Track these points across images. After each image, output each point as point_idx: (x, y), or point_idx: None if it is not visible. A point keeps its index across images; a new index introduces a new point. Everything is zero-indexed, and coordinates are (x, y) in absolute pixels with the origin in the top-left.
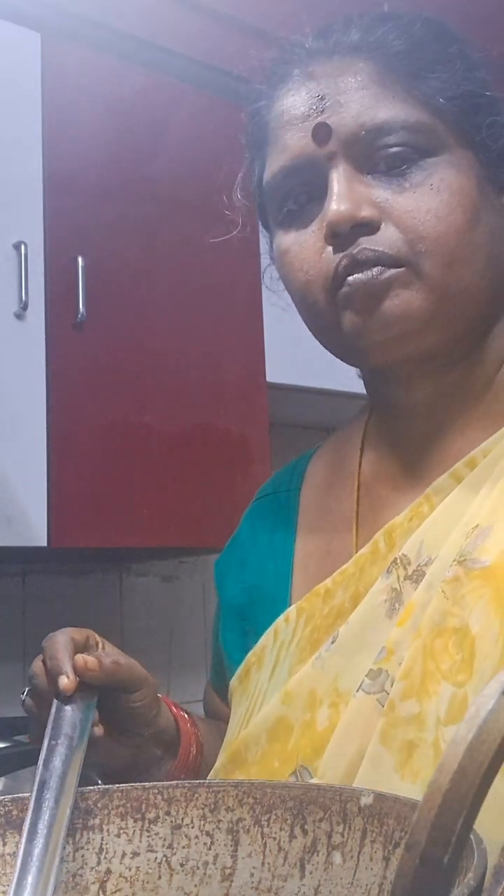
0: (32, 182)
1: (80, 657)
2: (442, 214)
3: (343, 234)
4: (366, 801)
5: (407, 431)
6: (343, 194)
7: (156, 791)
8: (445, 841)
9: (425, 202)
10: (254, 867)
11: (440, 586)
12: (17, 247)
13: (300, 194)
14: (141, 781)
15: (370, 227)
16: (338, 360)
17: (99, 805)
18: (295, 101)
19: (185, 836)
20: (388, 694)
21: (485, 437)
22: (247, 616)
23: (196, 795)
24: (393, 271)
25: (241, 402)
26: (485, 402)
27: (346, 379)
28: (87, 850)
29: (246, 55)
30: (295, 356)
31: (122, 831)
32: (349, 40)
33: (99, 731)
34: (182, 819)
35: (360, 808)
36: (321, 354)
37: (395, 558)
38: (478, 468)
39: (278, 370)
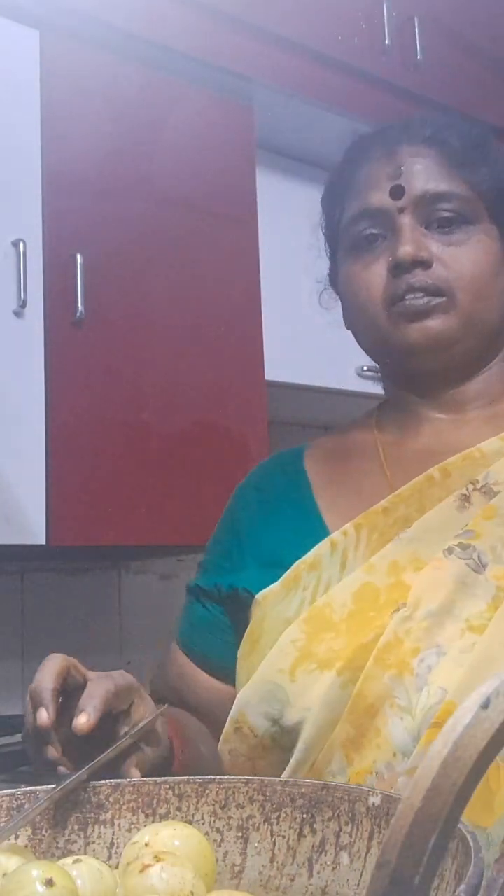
0: (31, 179)
1: (76, 724)
2: (476, 263)
3: (405, 267)
4: (374, 800)
5: (425, 422)
6: (409, 239)
7: (167, 787)
8: (417, 860)
9: (465, 253)
10: (263, 865)
11: None
12: (15, 244)
13: (370, 233)
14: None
15: (425, 265)
16: (335, 358)
17: (111, 800)
18: (380, 168)
19: None
20: (478, 563)
21: (490, 433)
22: (269, 547)
23: (207, 792)
24: (437, 300)
25: (239, 400)
26: (490, 410)
27: (345, 377)
28: (98, 844)
29: (245, 53)
30: (293, 354)
31: (133, 826)
32: (424, 133)
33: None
34: (193, 815)
35: (368, 808)
36: (320, 353)
37: (470, 481)
38: None
39: (277, 368)
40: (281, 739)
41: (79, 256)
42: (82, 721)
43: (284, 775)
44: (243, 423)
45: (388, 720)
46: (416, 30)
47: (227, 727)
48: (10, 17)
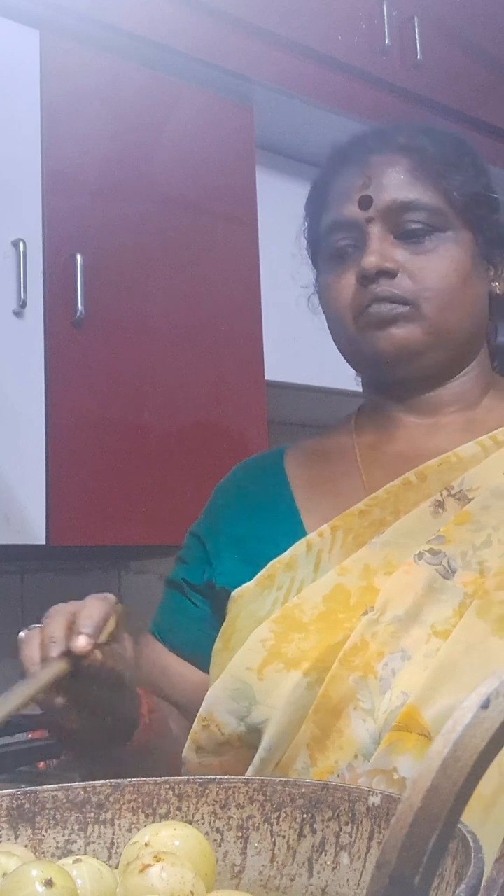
0: (31, 179)
1: (76, 645)
2: (443, 274)
3: (370, 277)
4: (374, 800)
5: (401, 426)
6: (375, 249)
7: (167, 786)
8: (417, 861)
9: (432, 263)
10: (263, 865)
11: None
12: (15, 244)
13: (343, 244)
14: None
15: (390, 275)
16: (335, 358)
17: (111, 799)
18: (350, 179)
19: None
20: (447, 569)
21: (466, 438)
22: (248, 545)
23: (207, 792)
24: (401, 308)
25: (239, 400)
26: (466, 415)
27: (344, 377)
28: (99, 844)
29: (245, 53)
30: (293, 354)
31: (133, 826)
32: (396, 142)
33: (73, 724)
34: (193, 815)
35: (368, 809)
36: (319, 353)
37: (445, 486)
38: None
39: (277, 368)
40: (248, 738)
41: (79, 256)
42: (82, 643)
43: (249, 773)
44: (243, 423)
45: (351, 722)
46: (416, 30)
47: (196, 724)
48: (10, 17)
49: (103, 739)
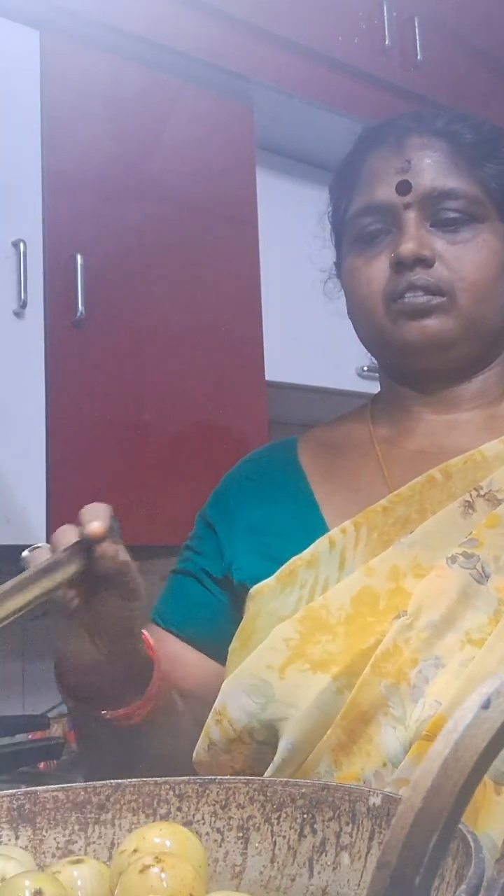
0: (31, 180)
1: (91, 529)
2: (480, 265)
3: (406, 265)
4: (374, 801)
5: (420, 421)
6: (413, 236)
7: (167, 787)
8: (417, 861)
9: (469, 254)
10: (263, 865)
11: None
12: (16, 245)
13: (374, 228)
14: (103, 706)
15: (426, 263)
16: (335, 358)
17: (111, 800)
18: (387, 161)
19: (196, 832)
20: (481, 573)
21: (488, 436)
22: (265, 539)
23: (207, 792)
24: (437, 299)
25: (240, 400)
26: (487, 412)
27: (345, 377)
28: (99, 844)
29: (245, 53)
30: (293, 354)
31: (133, 826)
32: (435, 126)
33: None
34: (193, 815)
35: (369, 809)
36: (320, 353)
37: (472, 486)
38: None
39: (277, 368)
40: (260, 734)
41: (79, 257)
42: (96, 525)
43: (268, 773)
44: (243, 423)
45: (380, 729)
46: (416, 30)
47: (209, 720)
48: (10, 17)
49: (118, 683)
